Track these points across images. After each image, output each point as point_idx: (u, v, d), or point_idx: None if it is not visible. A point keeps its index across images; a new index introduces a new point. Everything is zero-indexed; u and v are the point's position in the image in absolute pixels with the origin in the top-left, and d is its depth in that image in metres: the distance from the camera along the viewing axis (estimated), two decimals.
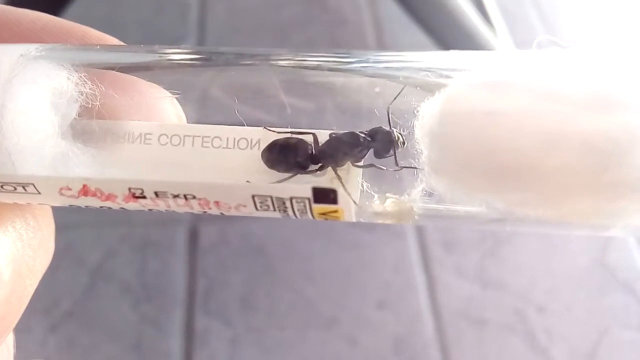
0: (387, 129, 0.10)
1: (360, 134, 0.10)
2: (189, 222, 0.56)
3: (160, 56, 0.11)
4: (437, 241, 0.56)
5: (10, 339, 0.13)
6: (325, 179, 0.10)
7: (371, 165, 0.10)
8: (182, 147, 0.10)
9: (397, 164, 0.10)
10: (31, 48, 0.10)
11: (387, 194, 0.10)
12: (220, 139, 0.10)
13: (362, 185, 0.10)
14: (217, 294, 0.53)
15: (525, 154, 0.09)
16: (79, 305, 0.51)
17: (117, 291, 0.52)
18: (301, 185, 0.10)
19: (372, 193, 0.10)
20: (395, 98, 0.10)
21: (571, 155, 0.08)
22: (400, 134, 0.10)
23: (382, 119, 0.10)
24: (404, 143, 0.10)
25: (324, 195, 0.10)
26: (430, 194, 0.10)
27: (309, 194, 0.09)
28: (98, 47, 0.11)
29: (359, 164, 0.10)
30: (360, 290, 0.53)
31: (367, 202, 0.10)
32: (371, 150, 0.10)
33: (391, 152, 0.10)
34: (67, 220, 0.50)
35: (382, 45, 0.70)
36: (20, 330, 0.13)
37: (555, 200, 0.09)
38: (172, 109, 0.11)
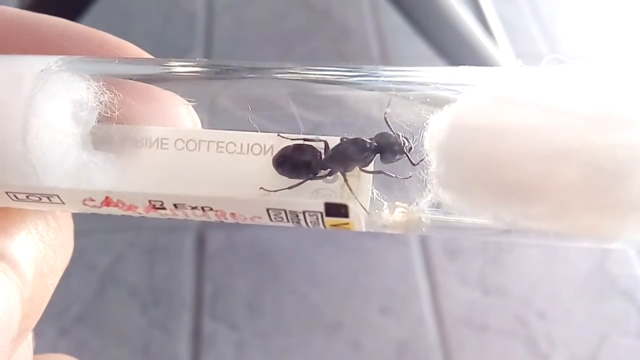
0: (391, 133, 0.10)
1: (367, 140, 0.10)
2: (196, 228, 0.57)
3: (174, 69, 0.11)
4: (439, 248, 0.56)
5: (29, 335, 0.13)
6: (336, 185, 0.10)
7: (380, 171, 0.10)
8: (197, 152, 0.11)
9: (412, 163, 0.10)
10: (51, 62, 0.10)
11: (397, 202, 0.10)
12: (235, 145, 0.11)
13: (372, 193, 0.10)
14: (224, 298, 0.53)
15: (530, 172, 0.09)
16: (89, 309, 0.51)
17: (126, 296, 0.52)
18: (314, 200, 0.10)
19: (382, 201, 0.10)
20: (388, 104, 0.10)
21: (576, 174, 0.09)
22: (405, 138, 0.10)
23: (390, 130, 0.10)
24: (410, 148, 0.10)
25: (336, 210, 0.10)
26: (438, 205, 0.10)
27: (321, 208, 0.10)
28: (117, 60, 0.11)
29: (367, 169, 0.10)
30: (363, 296, 0.54)
31: (376, 211, 0.10)
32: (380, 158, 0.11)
33: (397, 156, 0.10)
34: (77, 227, 0.50)
35: (386, 55, 0.71)
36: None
37: (559, 216, 0.09)
38: (187, 115, 0.11)
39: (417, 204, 0.10)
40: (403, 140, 0.10)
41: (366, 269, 0.55)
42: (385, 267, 0.55)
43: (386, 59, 0.70)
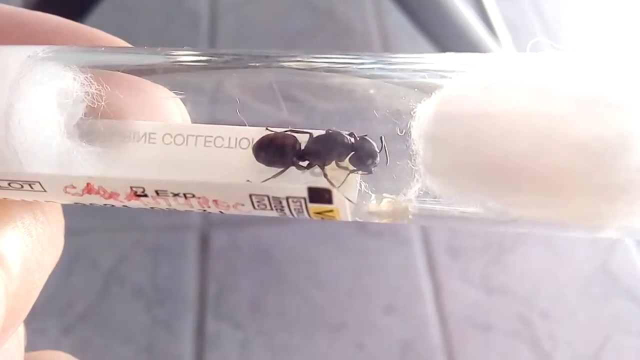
0: (372, 143, 0.10)
1: (346, 137, 0.10)
2: (200, 228, 0.57)
3: (164, 58, 0.11)
4: (442, 248, 0.56)
5: (21, 331, 0.13)
6: (322, 178, 0.10)
7: (354, 170, 0.10)
8: (185, 147, 0.11)
9: (385, 161, 0.10)
10: (38, 50, 0.10)
11: (384, 194, 0.10)
12: (223, 139, 0.10)
13: (360, 185, 0.10)
14: (228, 298, 0.53)
15: (517, 155, 0.09)
16: (93, 307, 0.51)
17: (130, 294, 0.52)
18: (297, 185, 0.10)
19: (370, 193, 0.10)
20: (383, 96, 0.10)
21: (562, 156, 0.08)
22: (386, 153, 0.10)
23: (379, 120, 0.10)
24: (386, 162, 0.10)
25: (319, 195, 0.10)
26: (426, 195, 0.10)
27: (304, 193, 0.10)
28: (103, 49, 0.11)
29: (341, 164, 0.10)
30: (367, 296, 0.54)
31: (364, 202, 0.10)
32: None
33: (369, 163, 0.10)
34: (81, 225, 0.51)
35: None
36: (35, 331, 0.14)
37: (547, 201, 0.09)
38: (176, 109, 0.11)
39: (404, 194, 0.10)
40: (385, 154, 0.10)
41: (369, 269, 0.55)
42: (388, 267, 0.55)
43: None
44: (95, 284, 0.52)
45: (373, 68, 0.10)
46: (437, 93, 0.09)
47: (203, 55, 0.11)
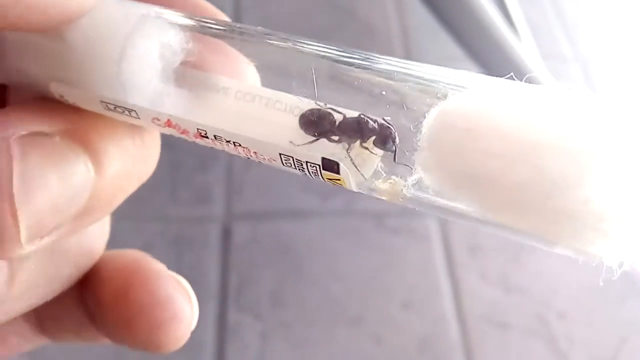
0: (388, 124, 0.12)
1: (370, 122, 0.12)
2: (222, 220, 0.58)
3: (256, 36, 0.13)
4: (461, 245, 0.57)
5: (108, 218, 0.15)
6: (344, 151, 0.12)
7: (376, 149, 0.12)
8: (251, 103, 0.13)
9: (394, 160, 0.12)
10: (151, 10, 0.13)
11: (392, 176, 0.12)
12: (281, 103, 0.12)
13: (378, 165, 0.12)
14: (249, 289, 0.54)
15: (489, 167, 0.10)
16: None
17: None
18: (314, 153, 0.12)
19: (383, 172, 0.12)
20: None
21: (526, 177, 0.10)
22: (395, 140, 0.12)
23: (400, 114, 0.12)
24: (397, 145, 0.12)
25: (330, 165, 0.12)
26: (420, 184, 0.12)
27: (319, 161, 0.12)
28: (204, 20, 0.13)
29: (365, 144, 0.12)
30: (385, 291, 0.54)
31: (373, 179, 0.12)
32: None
33: (387, 146, 0.12)
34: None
35: (409, 54, 0.72)
36: None
37: (509, 210, 0.10)
38: (251, 73, 0.13)
39: (405, 180, 0.12)
40: (395, 135, 0.12)
41: (388, 265, 0.56)
42: (407, 263, 0.56)
43: (410, 57, 0.71)
44: None
45: (404, 74, 0.12)
46: (441, 104, 0.11)
47: (272, 35, 0.13)
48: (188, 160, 0.61)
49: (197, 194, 0.59)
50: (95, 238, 0.15)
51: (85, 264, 0.15)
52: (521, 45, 0.55)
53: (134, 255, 0.16)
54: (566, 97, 0.10)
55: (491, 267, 0.56)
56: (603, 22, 0.78)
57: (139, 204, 0.56)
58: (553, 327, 0.52)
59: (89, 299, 0.15)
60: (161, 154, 0.14)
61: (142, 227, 0.56)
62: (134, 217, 0.56)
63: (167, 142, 0.15)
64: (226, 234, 0.57)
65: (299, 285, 0.54)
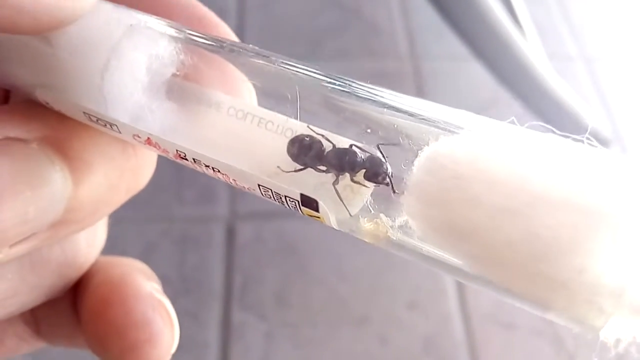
0: (380, 158, 0.11)
1: (359, 155, 0.11)
2: (226, 220, 0.58)
3: (247, 54, 0.12)
4: None
5: (102, 226, 0.15)
6: (338, 185, 0.11)
7: (362, 184, 0.11)
8: (242, 121, 0.12)
9: (393, 191, 0.11)
10: (142, 20, 0.12)
11: (381, 214, 0.11)
12: (273, 124, 0.12)
13: (367, 201, 0.11)
14: (253, 289, 0.54)
15: (476, 222, 0.09)
16: None
17: None
18: (292, 188, 0.11)
19: (371, 210, 0.11)
20: (389, 143, 0.11)
21: (516, 236, 0.09)
22: (388, 173, 0.11)
23: (392, 150, 0.11)
24: (389, 181, 0.11)
25: (309, 202, 0.11)
26: (405, 227, 0.11)
27: (298, 197, 0.11)
28: (198, 34, 0.12)
29: (355, 177, 0.11)
30: (390, 291, 0.54)
31: (359, 217, 0.11)
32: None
33: (379, 179, 0.11)
34: (111, 215, 0.51)
35: (414, 54, 0.71)
36: None
37: (497, 269, 0.09)
38: (246, 91, 0.12)
39: (393, 221, 0.11)
40: (387, 168, 0.11)
41: (393, 265, 0.56)
42: (412, 263, 0.55)
43: (414, 58, 0.71)
44: None
45: (400, 108, 0.11)
46: (432, 145, 0.10)
47: (262, 55, 0.12)
48: None
49: (202, 194, 0.59)
50: (82, 248, 0.14)
51: (70, 273, 0.14)
52: (527, 44, 0.55)
53: (123, 268, 0.15)
54: (570, 150, 0.09)
55: None
56: (608, 22, 0.78)
57: (143, 204, 0.56)
58: (559, 327, 0.52)
59: (79, 308, 0.15)
60: None
61: (147, 227, 0.56)
62: (138, 217, 0.56)
63: None
64: (230, 234, 0.57)
65: (303, 285, 0.54)
